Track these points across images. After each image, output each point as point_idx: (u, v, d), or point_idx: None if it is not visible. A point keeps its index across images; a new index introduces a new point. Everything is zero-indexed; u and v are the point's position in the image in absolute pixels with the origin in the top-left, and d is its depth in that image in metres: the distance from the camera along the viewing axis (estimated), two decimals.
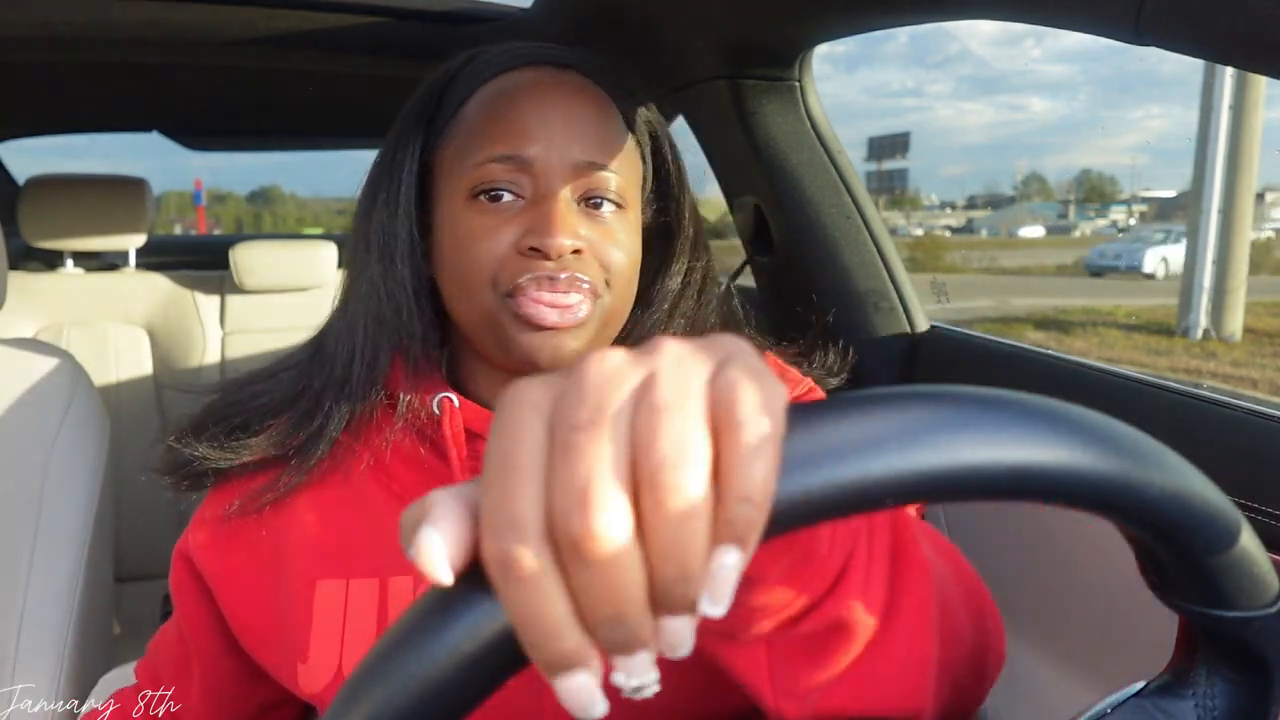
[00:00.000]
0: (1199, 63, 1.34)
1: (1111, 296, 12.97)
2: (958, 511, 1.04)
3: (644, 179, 0.70)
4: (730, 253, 1.38)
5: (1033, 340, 7.18)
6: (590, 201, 0.63)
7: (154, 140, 2.52)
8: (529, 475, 0.25)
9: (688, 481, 0.24)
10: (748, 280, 1.36)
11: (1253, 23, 0.54)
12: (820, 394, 0.74)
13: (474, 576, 0.26)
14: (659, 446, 0.24)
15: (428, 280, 0.66)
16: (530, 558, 0.24)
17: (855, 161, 1.30)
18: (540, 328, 0.60)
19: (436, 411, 0.64)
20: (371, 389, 0.65)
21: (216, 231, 15.25)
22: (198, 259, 2.40)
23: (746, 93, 1.14)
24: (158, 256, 2.35)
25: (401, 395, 0.65)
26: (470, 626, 0.26)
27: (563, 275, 0.60)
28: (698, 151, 1.32)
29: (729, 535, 0.24)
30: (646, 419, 0.25)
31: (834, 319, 1.16)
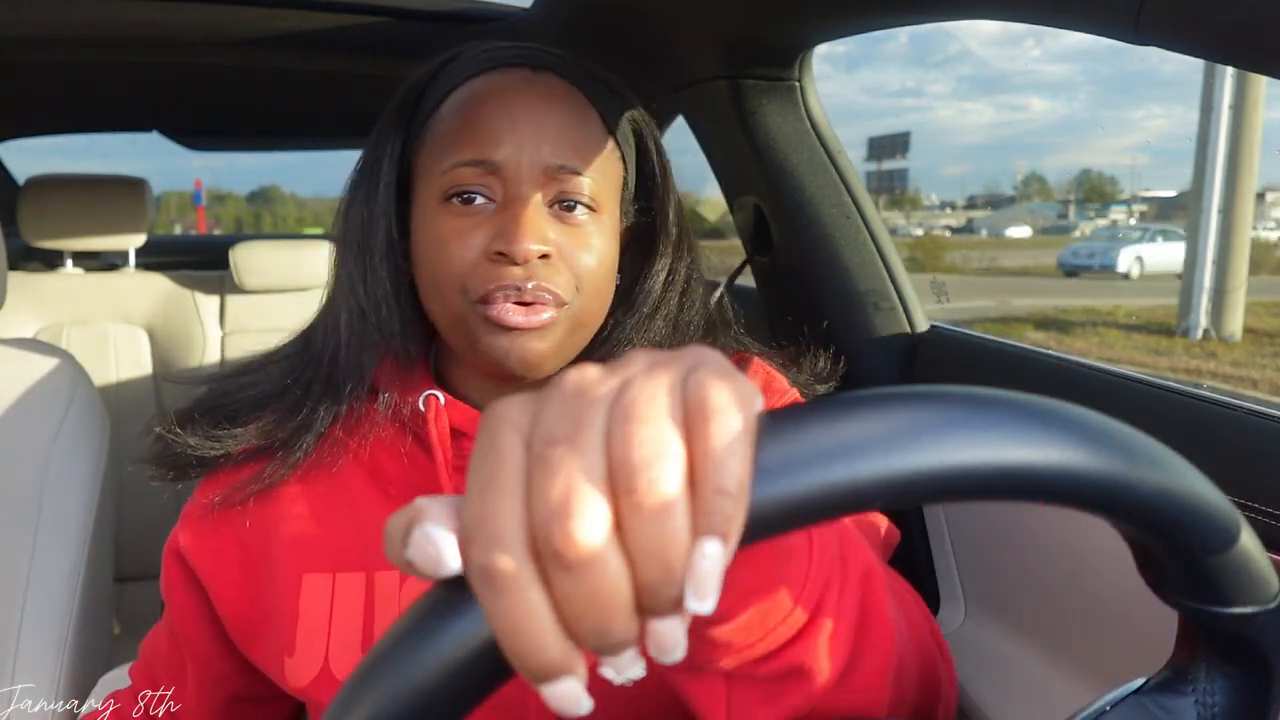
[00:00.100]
0: (1199, 63, 1.34)
1: (1111, 296, 12.96)
2: (958, 510, 1.04)
3: (625, 181, 0.69)
4: (730, 253, 1.38)
5: (1033, 340, 7.17)
6: (563, 204, 0.63)
7: (154, 140, 2.52)
8: (510, 491, 0.25)
9: (663, 480, 0.24)
10: (748, 280, 1.36)
11: (1253, 23, 0.54)
12: (799, 400, 0.74)
13: (458, 590, 0.26)
14: (634, 451, 0.25)
15: (408, 279, 0.66)
16: (513, 569, 0.24)
17: (855, 161, 1.30)
18: (507, 329, 0.60)
19: (422, 409, 0.65)
20: (357, 384, 0.65)
21: (216, 231, 15.25)
22: (198, 259, 2.40)
23: (746, 93, 1.14)
24: (158, 256, 2.36)
25: (385, 391, 0.66)
26: (455, 640, 0.26)
27: (529, 285, 0.60)
28: (698, 152, 1.32)
29: (708, 527, 0.25)
30: (620, 427, 0.25)
31: (834, 319, 1.16)
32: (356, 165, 0.68)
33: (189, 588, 0.69)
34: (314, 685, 0.64)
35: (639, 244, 0.71)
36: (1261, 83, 8.47)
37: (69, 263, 2.13)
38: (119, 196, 2.10)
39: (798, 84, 1.15)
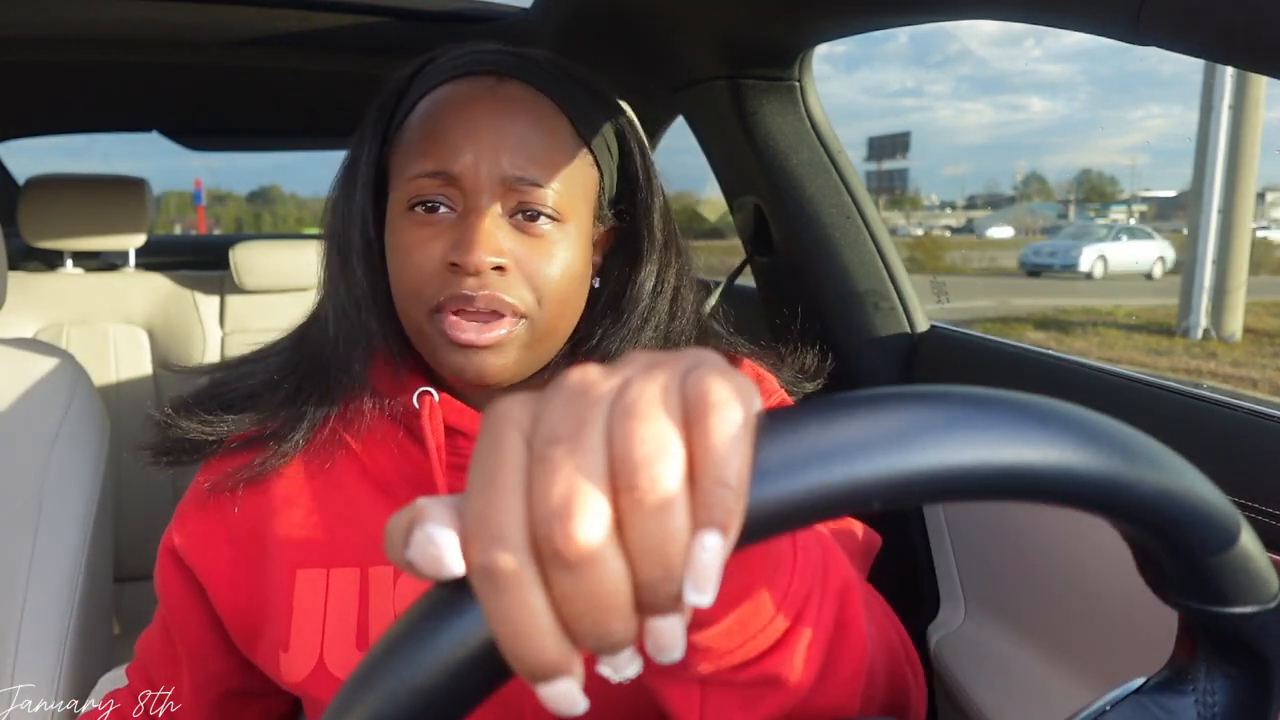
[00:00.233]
0: (1199, 63, 1.34)
1: (1113, 297, 12.96)
2: (958, 510, 1.04)
3: (602, 186, 0.68)
4: (730, 253, 1.38)
5: (1033, 340, 7.18)
6: (525, 214, 0.62)
7: (154, 140, 2.52)
8: (511, 490, 0.25)
9: (664, 476, 0.25)
10: (748, 280, 1.36)
11: (1253, 23, 0.54)
12: (789, 402, 0.74)
13: (457, 590, 0.26)
14: (635, 449, 0.25)
15: (385, 280, 0.66)
16: (514, 568, 0.25)
17: (855, 161, 1.30)
18: (462, 346, 0.61)
19: (415, 405, 0.65)
20: (348, 381, 0.66)
21: (216, 231, 15.26)
22: (198, 259, 2.40)
23: (746, 93, 1.14)
24: (158, 256, 2.36)
25: (378, 388, 0.66)
26: (454, 640, 0.26)
27: (481, 294, 0.60)
28: (698, 152, 1.32)
29: (707, 520, 0.25)
30: (620, 425, 0.25)
31: (834, 319, 1.16)
32: (341, 163, 0.69)
33: (185, 585, 0.69)
34: (309, 680, 0.64)
35: (625, 248, 0.70)
36: (1261, 83, 8.47)
37: (69, 263, 2.13)
38: (119, 196, 2.10)
39: (798, 84, 1.15)
